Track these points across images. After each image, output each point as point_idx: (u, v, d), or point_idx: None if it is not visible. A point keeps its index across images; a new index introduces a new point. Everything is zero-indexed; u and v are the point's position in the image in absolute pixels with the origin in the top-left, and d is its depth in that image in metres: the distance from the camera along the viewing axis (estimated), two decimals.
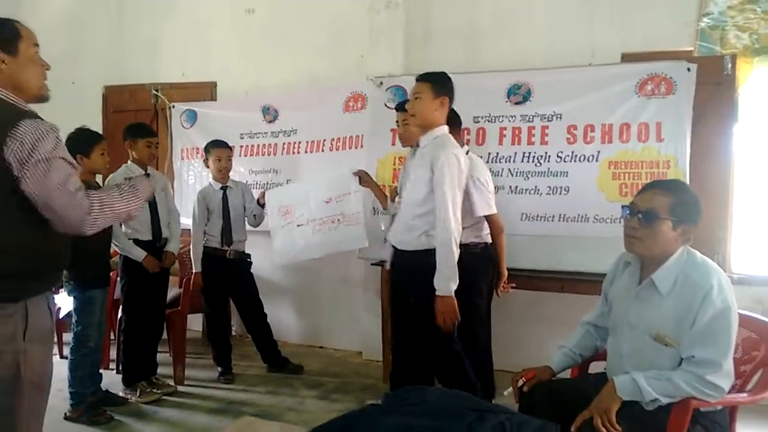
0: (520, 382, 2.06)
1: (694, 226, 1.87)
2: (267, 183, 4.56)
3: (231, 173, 3.98)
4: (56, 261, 1.83)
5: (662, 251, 1.88)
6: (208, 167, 3.94)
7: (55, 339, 4.00)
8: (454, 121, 3.03)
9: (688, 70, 3.36)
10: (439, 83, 2.65)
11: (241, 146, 4.68)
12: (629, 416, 1.76)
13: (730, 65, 3.48)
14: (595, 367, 2.25)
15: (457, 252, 2.55)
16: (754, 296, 3.40)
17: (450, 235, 2.52)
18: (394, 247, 2.79)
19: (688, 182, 3.22)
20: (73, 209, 1.67)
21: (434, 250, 2.57)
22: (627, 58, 3.77)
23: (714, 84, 3.48)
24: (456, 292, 2.59)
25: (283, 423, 2.92)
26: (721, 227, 3.53)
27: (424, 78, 2.68)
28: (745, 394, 1.92)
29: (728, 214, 3.57)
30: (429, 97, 2.63)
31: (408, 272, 2.72)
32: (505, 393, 2.14)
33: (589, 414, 1.78)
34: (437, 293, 2.54)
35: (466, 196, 2.89)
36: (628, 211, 1.94)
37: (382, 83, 4.10)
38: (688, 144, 3.33)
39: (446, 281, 2.53)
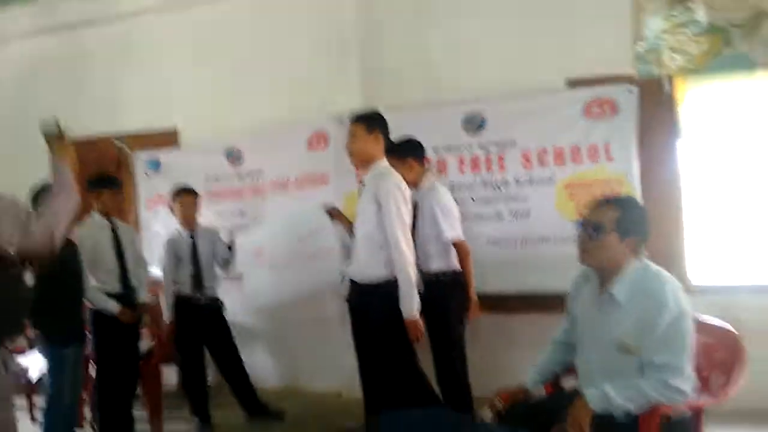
0: (498, 405, 2.13)
1: (642, 239, 1.99)
2: (235, 226, 4.54)
3: (199, 219, 4.00)
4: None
5: (612, 263, 1.99)
6: (174, 214, 3.95)
7: (25, 401, 3.93)
8: (417, 151, 3.18)
9: (630, 92, 3.56)
10: (369, 120, 2.87)
11: (207, 191, 4.69)
12: (602, 427, 1.84)
13: (668, 85, 3.71)
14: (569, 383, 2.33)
15: (414, 275, 2.70)
16: (713, 304, 3.50)
17: (405, 261, 2.67)
18: (352, 281, 2.87)
19: (639, 198, 3.40)
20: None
21: (391, 280, 2.70)
22: (572, 83, 3.96)
23: (655, 103, 3.69)
24: (430, 320, 2.71)
25: None
26: (675, 239, 3.69)
27: (355, 119, 2.90)
28: (707, 397, 2.03)
29: (681, 226, 3.75)
30: (363, 135, 2.83)
31: (369, 303, 2.81)
32: (483, 417, 2.20)
33: (565, 429, 1.85)
34: (405, 317, 2.66)
35: (433, 223, 3.01)
36: (582, 227, 2.05)
37: (342, 120, 4.19)
38: (636, 161, 3.51)
39: (411, 304, 2.67)
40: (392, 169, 2.84)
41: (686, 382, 1.87)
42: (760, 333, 3.48)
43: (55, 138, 2.04)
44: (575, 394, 2.00)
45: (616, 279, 1.98)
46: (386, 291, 2.71)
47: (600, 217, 1.99)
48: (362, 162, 2.88)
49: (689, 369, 1.88)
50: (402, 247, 2.67)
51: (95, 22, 5.18)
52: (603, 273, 2.04)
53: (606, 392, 1.87)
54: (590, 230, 2.00)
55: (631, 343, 1.92)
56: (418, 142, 3.24)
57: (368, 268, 2.79)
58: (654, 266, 2.01)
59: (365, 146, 2.83)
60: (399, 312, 2.71)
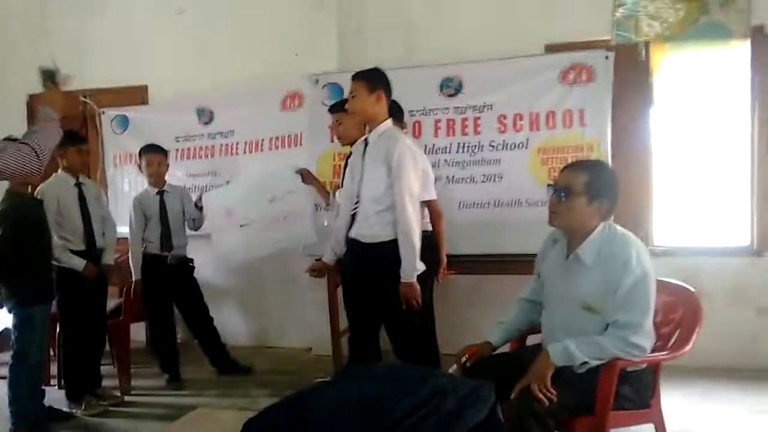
0: (463, 359, 2.16)
1: (610, 202, 2.01)
2: (206, 185, 4.50)
3: (168, 177, 3.93)
4: None
5: (580, 225, 2.02)
6: (142, 172, 3.87)
7: None
8: (399, 116, 3.13)
9: (606, 58, 3.56)
10: (371, 79, 2.73)
11: (177, 150, 4.60)
12: (563, 380, 1.88)
13: (644, 52, 3.72)
14: (532, 341, 2.37)
15: (417, 241, 2.68)
16: (676, 266, 3.62)
17: (409, 225, 2.64)
18: (355, 240, 2.82)
19: (609, 163, 3.43)
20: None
21: (396, 240, 2.68)
22: (550, 48, 3.95)
23: (631, 70, 3.70)
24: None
25: (235, 410, 2.90)
26: (643, 203, 3.77)
27: (357, 76, 2.76)
28: (665, 353, 2.09)
29: (649, 191, 3.82)
30: (364, 94, 2.71)
31: (372, 262, 2.77)
32: (450, 371, 2.23)
33: (527, 382, 1.89)
34: (403, 279, 2.65)
35: None
36: (552, 190, 2.07)
37: (318, 81, 4.13)
38: (609, 128, 3.53)
39: (411, 268, 2.66)
40: (400, 131, 2.78)
41: (646, 339, 1.92)
42: (718, 293, 3.63)
43: (49, 81, 2.14)
44: (537, 351, 2.05)
45: (584, 241, 2.02)
46: (393, 250, 2.68)
47: (570, 180, 2.02)
48: (363, 122, 2.82)
49: (649, 326, 1.94)
50: (408, 211, 2.63)
51: None
52: (571, 235, 2.08)
53: (568, 347, 1.92)
54: (560, 193, 2.02)
55: (595, 304, 1.97)
56: (397, 104, 3.19)
57: (374, 229, 2.74)
58: (620, 229, 2.05)
59: (366, 105, 2.71)
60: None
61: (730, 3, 3.65)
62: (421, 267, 2.71)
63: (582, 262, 2.01)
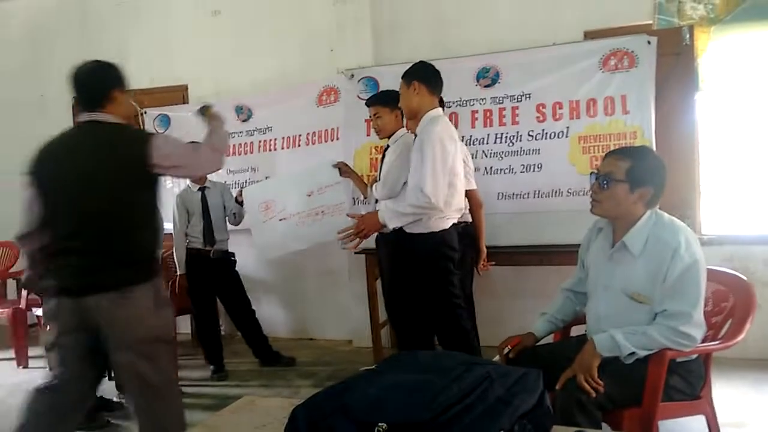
0: (506, 350, 2.15)
1: (654, 189, 1.94)
2: (245, 181, 4.60)
3: (209, 175, 4.00)
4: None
5: (624, 213, 1.97)
6: None
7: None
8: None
9: (649, 43, 3.47)
10: (408, 74, 2.78)
11: None
12: (610, 371, 1.85)
13: (688, 36, 3.61)
14: (576, 331, 2.34)
15: (406, 217, 2.65)
16: (724, 255, 3.54)
17: (415, 201, 2.59)
18: (399, 231, 2.79)
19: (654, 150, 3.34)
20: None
21: (431, 232, 2.68)
22: (589, 35, 3.87)
23: (674, 55, 3.60)
24: (436, 271, 2.72)
25: (282, 398, 2.94)
26: (690, 191, 3.66)
27: (402, 76, 2.82)
28: (716, 343, 2.03)
29: (696, 179, 3.70)
30: (404, 90, 2.78)
31: (408, 251, 2.78)
32: (494, 359, 2.22)
33: (572, 372, 1.86)
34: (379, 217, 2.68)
35: None
36: (594, 177, 2.03)
37: (353, 75, 4.15)
38: (653, 114, 3.45)
39: (386, 216, 2.67)
40: (439, 118, 2.73)
41: (696, 329, 1.87)
42: None
43: (207, 113, 2.58)
44: (582, 341, 2.01)
45: (630, 229, 1.97)
46: (435, 240, 2.69)
47: (610, 168, 1.97)
48: (410, 117, 2.85)
49: (700, 316, 1.88)
50: (424, 189, 2.56)
51: None
52: (616, 223, 2.03)
53: (614, 337, 1.87)
54: (602, 180, 1.98)
55: (643, 293, 1.92)
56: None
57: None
58: (667, 216, 1.99)
59: (407, 100, 2.77)
60: (445, 260, 2.72)
61: None
62: (392, 226, 2.68)
63: (629, 251, 1.96)
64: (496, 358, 2.18)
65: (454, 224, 2.98)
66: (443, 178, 2.60)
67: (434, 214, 2.66)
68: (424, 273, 2.73)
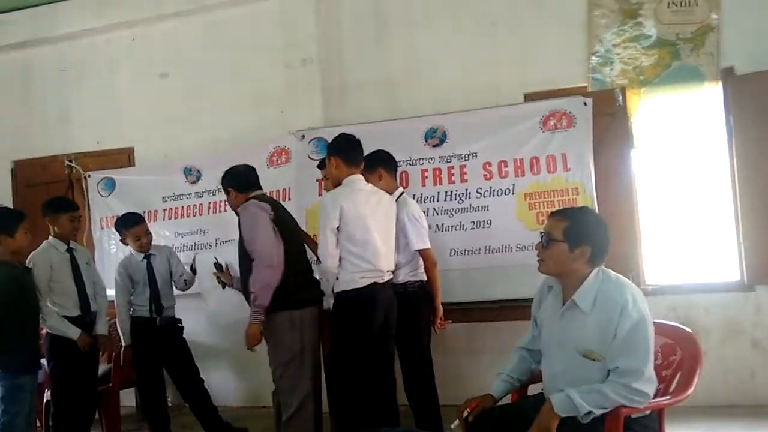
0: (465, 413, 2.13)
1: (593, 247, 2.00)
2: (195, 244, 4.48)
3: (156, 238, 3.90)
4: None
5: (567, 271, 2.04)
6: (126, 245, 3.84)
7: None
8: (389, 164, 3.25)
9: (585, 104, 3.67)
10: (328, 148, 3.14)
11: (165, 209, 4.60)
12: (567, 430, 1.85)
13: (620, 97, 3.83)
14: (533, 390, 2.34)
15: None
16: (668, 304, 3.67)
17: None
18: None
19: (595, 205, 3.48)
20: None
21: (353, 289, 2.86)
22: (529, 97, 4.05)
23: (609, 115, 3.81)
24: (399, 330, 2.88)
25: None
26: (631, 243, 3.80)
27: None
28: (668, 397, 2.07)
29: (636, 231, 3.86)
30: (327, 163, 3.09)
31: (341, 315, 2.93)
32: (452, 426, 2.19)
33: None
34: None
35: (402, 232, 3.05)
36: (540, 237, 2.12)
37: (304, 136, 4.19)
38: (592, 171, 3.60)
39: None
40: (341, 187, 2.97)
41: (647, 384, 1.90)
42: (712, 329, 3.65)
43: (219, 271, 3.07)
44: (540, 400, 2.02)
45: (579, 288, 2.02)
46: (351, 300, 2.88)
47: (550, 228, 2.07)
48: (335, 185, 3.04)
49: (651, 372, 1.92)
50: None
51: (46, 40, 5.06)
52: (563, 281, 2.09)
53: (571, 397, 1.89)
54: (543, 240, 2.08)
55: (595, 350, 1.95)
56: (388, 154, 3.28)
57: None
58: (613, 273, 2.05)
59: (328, 172, 3.11)
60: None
61: (700, 47, 3.80)
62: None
63: (579, 309, 2.00)
64: (456, 423, 2.15)
65: (411, 282, 3.04)
66: (326, 239, 2.84)
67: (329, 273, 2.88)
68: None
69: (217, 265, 3.40)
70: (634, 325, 1.90)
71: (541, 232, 2.10)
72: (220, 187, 4.44)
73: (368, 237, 2.87)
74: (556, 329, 2.09)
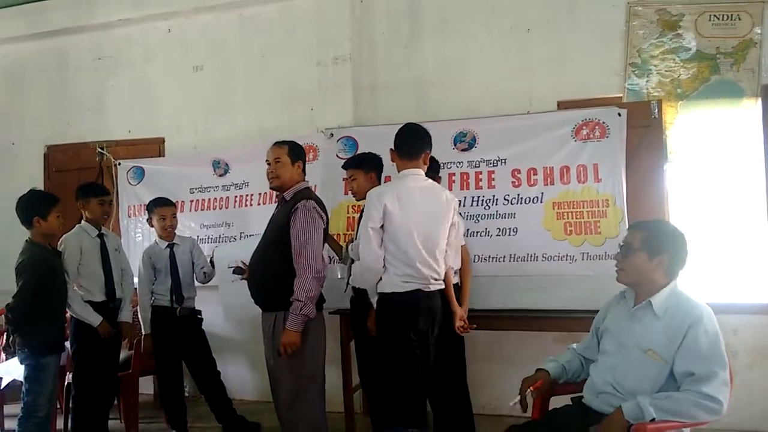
0: (529, 391, 2.19)
1: (671, 257, 2.08)
2: (219, 236, 4.51)
3: (181, 228, 3.93)
4: None
5: (645, 281, 2.09)
6: (152, 226, 3.88)
7: None
8: (432, 167, 3.13)
9: (619, 115, 3.60)
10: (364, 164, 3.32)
11: (192, 201, 4.64)
12: None
13: (656, 110, 3.76)
14: (554, 403, 2.31)
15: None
16: None
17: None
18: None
19: (626, 218, 3.42)
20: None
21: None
22: (562, 105, 4.00)
23: (644, 127, 3.73)
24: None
25: None
26: None
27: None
28: None
29: None
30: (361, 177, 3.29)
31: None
32: (511, 404, 2.22)
33: None
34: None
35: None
36: (619, 248, 2.19)
37: (332, 135, 4.19)
38: (624, 183, 3.53)
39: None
40: (389, 183, 2.97)
41: (722, 390, 1.91)
42: (741, 351, 3.55)
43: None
44: (581, 407, 2.09)
45: (656, 294, 2.07)
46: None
47: (629, 239, 2.16)
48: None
49: (726, 377, 1.93)
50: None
51: (83, 29, 5.14)
52: (639, 290, 2.14)
53: (640, 404, 1.91)
54: (623, 250, 2.17)
55: (658, 352, 1.99)
56: (434, 159, 3.20)
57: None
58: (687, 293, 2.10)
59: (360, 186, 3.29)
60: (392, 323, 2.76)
61: (740, 62, 3.72)
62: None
63: (651, 311, 2.06)
64: (517, 399, 2.18)
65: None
66: (367, 237, 2.72)
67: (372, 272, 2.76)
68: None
69: (238, 270, 3.20)
70: (711, 337, 1.95)
71: (620, 244, 2.19)
72: (246, 181, 4.55)
73: (411, 240, 2.71)
74: (622, 330, 2.14)
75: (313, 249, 2.71)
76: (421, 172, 2.84)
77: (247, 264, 3.09)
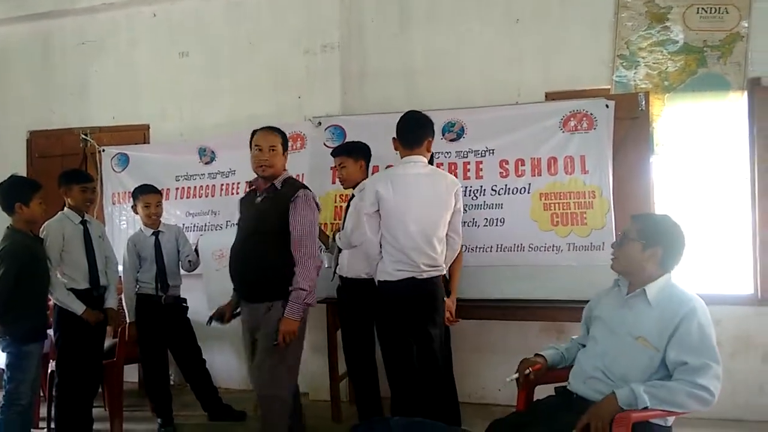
0: (527, 371, 2.22)
1: (664, 250, 2.09)
2: (205, 225, 4.48)
3: (167, 216, 3.89)
4: None
5: (638, 270, 2.12)
6: (137, 214, 3.84)
7: None
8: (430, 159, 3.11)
9: (607, 106, 3.61)
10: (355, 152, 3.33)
11: (177, 188, 4.59)
12: None
13: (644, 102, 3.77)
14: (539, 393, 2.32)
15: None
16: None
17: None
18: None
19: (612, 209, 3.44)
20: None
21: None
22: (550, 96, 4.01)
23: (631, 119, 3.74)
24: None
25: None
26: None
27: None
28: None
29: None
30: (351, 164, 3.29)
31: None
32: (508, 379, 2.26)
33: (587, 419, 1.91)
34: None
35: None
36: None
37: (320, 123, 4.16)
38: (610, 175, 3.55)
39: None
40: (386, 170, 3.01)
41: (714, 382, 1.94)
42: (724, 342, 3.59)
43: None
44: (564, 397, 2.12)
45: (650, 283, 2.10)
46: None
47: (627, 227, 2.21)
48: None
49: (718, 370, 1.96)
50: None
51: (67, 12, 5.05)
52: (632, 279, 2.17)
53: (634, 390, 1.92)
54: (620, 239, 2.22)
55: (649, 339, 2.01)
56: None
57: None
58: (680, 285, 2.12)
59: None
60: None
61: (727, 55, 3.74)
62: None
63: (645, 299, 2.08)
64: (514, 375, 2.22)
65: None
66: (359, 221, 2.82)
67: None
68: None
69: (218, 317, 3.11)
70: (705, 330, 1.97)
71: (618, 233, 2.25)
72: (233, 169, 4.51)
73: (402, 226, 2.73)
74: (614, 317, 2.16)
75: (311, 240, 2.72)
76: (423, 159, 2.85)
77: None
